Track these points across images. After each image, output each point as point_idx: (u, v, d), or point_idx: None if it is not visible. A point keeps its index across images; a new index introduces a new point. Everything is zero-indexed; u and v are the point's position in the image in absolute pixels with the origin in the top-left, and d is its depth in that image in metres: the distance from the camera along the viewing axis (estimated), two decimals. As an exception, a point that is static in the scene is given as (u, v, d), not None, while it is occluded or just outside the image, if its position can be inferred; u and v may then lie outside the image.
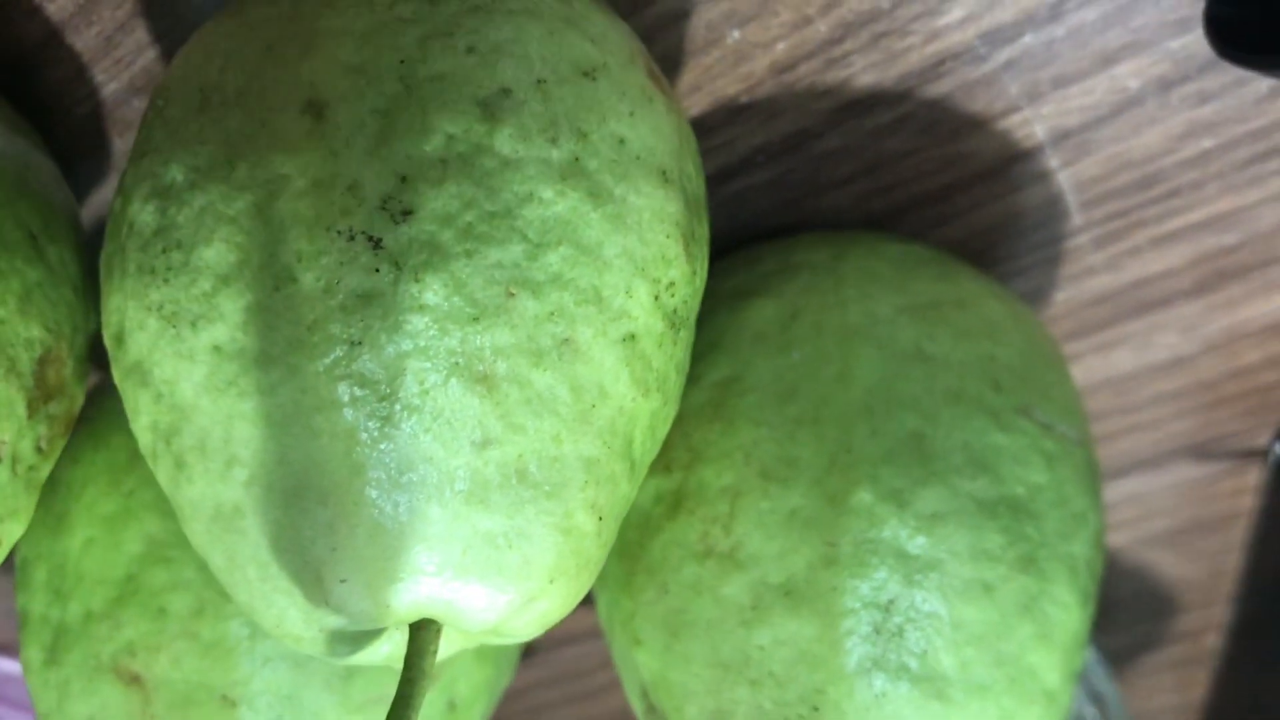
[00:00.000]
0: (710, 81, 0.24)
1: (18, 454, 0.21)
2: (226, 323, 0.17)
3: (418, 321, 0.16)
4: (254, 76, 0.17)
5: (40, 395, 0.22)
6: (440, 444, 0.16)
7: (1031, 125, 0.25)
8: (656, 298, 0.18)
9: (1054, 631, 0.22)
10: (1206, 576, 0.38)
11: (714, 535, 0.22)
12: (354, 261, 0.16)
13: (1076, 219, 0.27)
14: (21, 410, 0.21)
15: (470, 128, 0.17)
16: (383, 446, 0.16)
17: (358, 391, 0.16)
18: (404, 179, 0.17)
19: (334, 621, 0.17)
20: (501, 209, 0.17)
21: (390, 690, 0.24)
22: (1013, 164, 0.25)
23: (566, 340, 0.17)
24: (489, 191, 0.17)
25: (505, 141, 0.17)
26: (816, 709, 0.21)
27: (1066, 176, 0.26)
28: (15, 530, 0.22)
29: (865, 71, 0.24)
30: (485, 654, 0.26)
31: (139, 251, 0.18)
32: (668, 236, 0.18)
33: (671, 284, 0.18)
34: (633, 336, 0.18)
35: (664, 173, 0.18)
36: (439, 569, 0.17)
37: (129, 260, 0.18)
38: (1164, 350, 0.30)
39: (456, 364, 0.16)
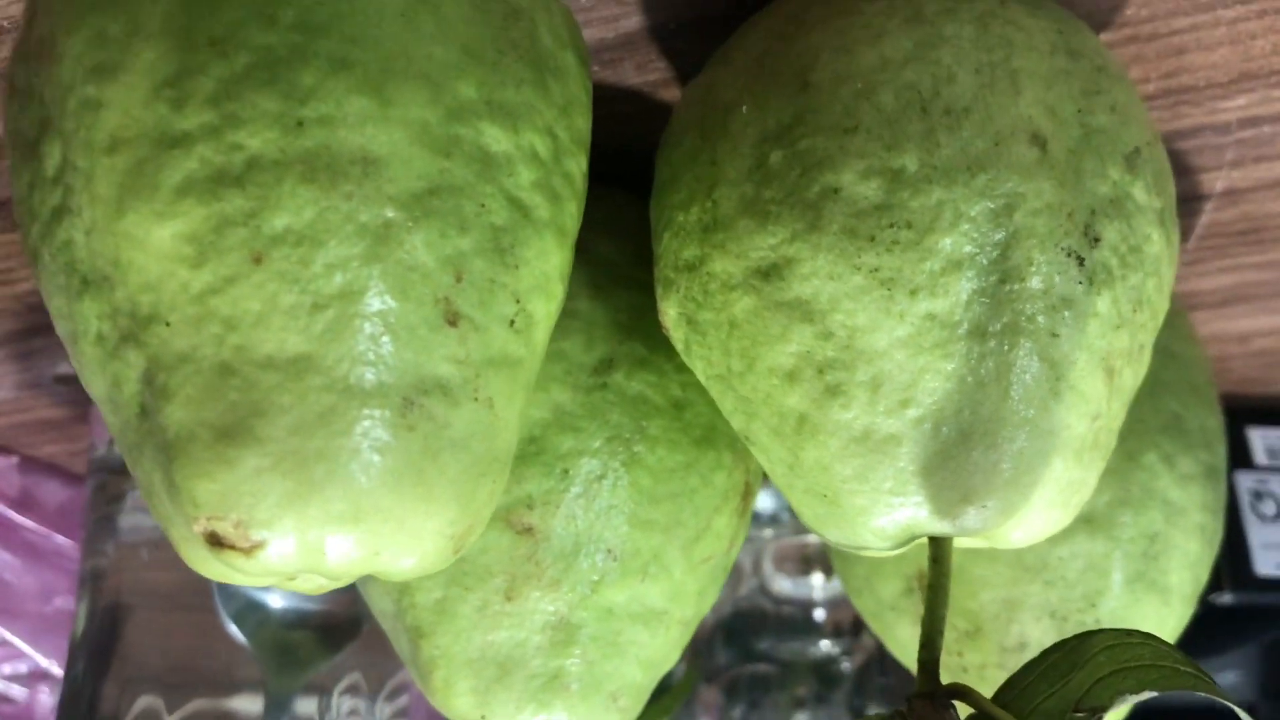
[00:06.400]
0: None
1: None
2: (949, 299, 0.21)
3: (1093, 325, 0.21)
4: (974, 100, 0.21)
5: None
6: (1077, 415, 0.22)
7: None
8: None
9: (1212, 557, 0.30)
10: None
11: (1032, 469, 0.28)
12: (1066, 273, 0.21)
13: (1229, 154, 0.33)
14: None
15: (1122, 177, 0.22)
16: (1047, 412, 0.21)
17: (1045, 370, 0.21)
18: (1093, 212, 0.21)
19: (929, 528, 0.22)
20: (1134, 245, 0.22)
21: (711, 555, 0.29)
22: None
23: (1141, 346, 0.23)
24: (1131, 229, 0.22)
25: (1139, 191, 0.22)
26: (1094, 605, 0.28)
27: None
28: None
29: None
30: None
31: (850, 217, 0.21)
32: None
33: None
34: (1145, 346, 0.24)
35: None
36: (1044, 504, 0.22)
37: (828, 219, 0.21)
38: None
39: (1102, 359, 0.22)
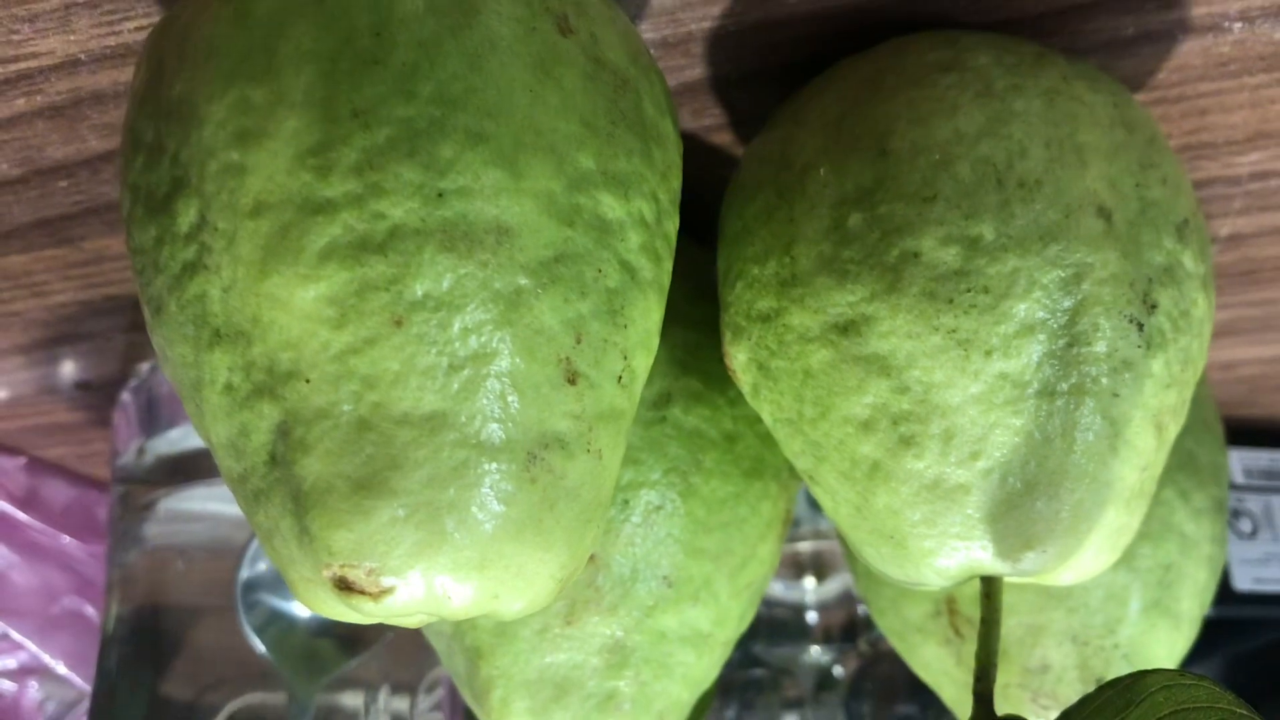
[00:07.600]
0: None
1: None
2: (1021, 360, 0.22)
3: (1148, 385, 0.23)
4: (1045, 173, 0.23)
5: None
6: (1130, 468, 0.23)
7: None
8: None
9: (1215, 584, 0.32)
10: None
11: (1059, 503, 0.30)
12: (1127, 338, 0.23)
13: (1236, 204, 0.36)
14: None
15: (1174, 247, 0.24)
16: (1105, 466, 0.23)
17: (1106, 427, 0.23)
18: (1150, 280, 0.23)
19: (989, 569, 0.24)
20: (1184, 309, 0.24)
21: (754, 580, 0.30)
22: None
23: (1185, 401, 0.25)
24: (1181, 295, 0.24)
25: (1189, 259, 0.24)
26: (1113, 631, 0.30)
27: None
28: None
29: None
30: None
31: (930, 280, 0.23)
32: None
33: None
34: (1186, 401, 0.25)
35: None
36: (1094, 549, 0.24)
37: (908, 281, 0.23)
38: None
39: (1154, 416, 0.23)
